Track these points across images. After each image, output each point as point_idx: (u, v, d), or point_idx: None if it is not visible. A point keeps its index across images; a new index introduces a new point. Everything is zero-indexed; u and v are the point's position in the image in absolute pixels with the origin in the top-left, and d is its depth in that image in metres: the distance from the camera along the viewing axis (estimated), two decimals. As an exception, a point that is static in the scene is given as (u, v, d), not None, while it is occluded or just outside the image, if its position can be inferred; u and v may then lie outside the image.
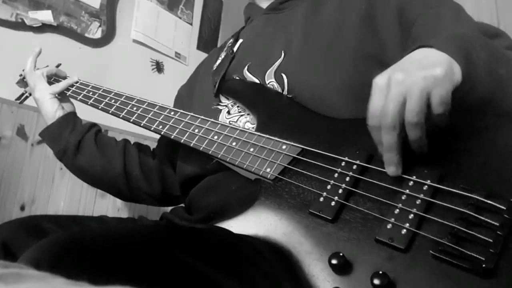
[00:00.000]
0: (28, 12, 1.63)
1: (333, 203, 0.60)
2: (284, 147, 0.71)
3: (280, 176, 0.68)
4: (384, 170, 0.60)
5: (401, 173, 0.58)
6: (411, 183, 0.57)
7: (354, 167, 0.63)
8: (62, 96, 1.12)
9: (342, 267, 0.53)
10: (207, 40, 2.29)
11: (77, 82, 1.12)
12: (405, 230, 0.54)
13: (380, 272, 0.50)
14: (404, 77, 0.55)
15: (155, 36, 2.04)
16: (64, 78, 1.15)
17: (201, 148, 0.79)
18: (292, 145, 0.70)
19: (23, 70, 1.22)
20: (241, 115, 0.85)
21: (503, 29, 0.78)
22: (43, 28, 1.66)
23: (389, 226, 0.55)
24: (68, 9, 1.75)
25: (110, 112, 0.98)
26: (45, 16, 1.67)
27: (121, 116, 0.95)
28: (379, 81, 0.58)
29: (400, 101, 0.55)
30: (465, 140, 0.59)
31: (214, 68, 0.98)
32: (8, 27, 1.58)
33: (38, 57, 1.17)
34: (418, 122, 0.54)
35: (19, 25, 1.61)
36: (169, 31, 2.11)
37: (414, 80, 0.54)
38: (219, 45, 2.20)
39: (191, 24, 2.23)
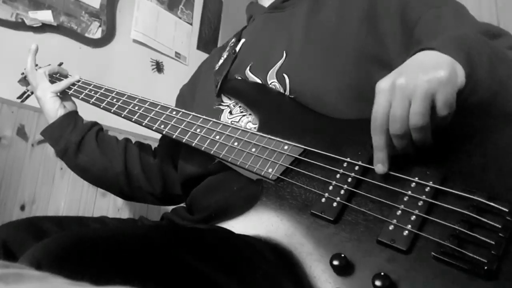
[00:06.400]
0: (28, 12, 1.63)
1: (335, 204, 0.60)
2: (286, 147, 0.70)
3: (281, 177, 0.67)
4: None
5: (403, 174, 0.58)
6: (413, 184, 0.57)
7: (356, 167, 0.62)
8: (63, 95, 1.12)
9: (344, 268, 0.53)
10: (207, 40, 2.29)
11: (78, 81, 1.12)
12: (407, 232, 0.53)
13: (382, 274, 0.50)
14: (408, 80, 0.55)
15: (155, 36, 2.03)
16: (66, 76, 1.16)
17: (202, 148, 0.78)
18: (294, 145, 0.70)
19: (25, 69, 1.22)
20: (243, 115, 0.85)
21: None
22: (43, 28, 1.66)
23: (391, 227, 0.55)
24: (68, 9, 1.75)
25: (112, 111, 0.97)
26: (45, 16, 1.66)
27: (123, 115, 0.95)
28: (383, 85, 0.57)
29: (406, 105, 0.55)
30: (467, 142, 0.59)
31: (216, 68, 0.98)
32: (8, 27, 1.58)
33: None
34: (424, 125, 0.54)
35: (19, 25, 1.60)
36: (169, 31, 2.11)
37: (418, 83, 0.54)
38: (219, 45, 2.21)
39: (191, 24, 2.23)
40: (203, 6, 2.30)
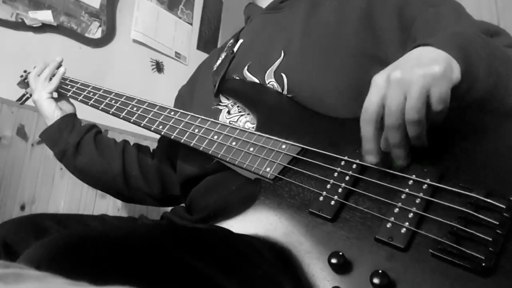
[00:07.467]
0: (28, 12, 1.63)
1: (332, 203, 0.60)
2: (283, 146, 0.71)
3: (280, 176, 0.68)
4: (383, 169, 0.60)
5: (401, 172, 0.58)
6: (410, 182, 0.57)
7: (354, 166, 0.63)
8: (62, 97, 1.13)
9: (342, 266, 0.53)
10: (207, 40, 2.29)
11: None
12: (404, 229, 0.54)
13: (380, 271, 0.50)
14: (402, 75, 0.55)
15: (155, 36, 2.04)
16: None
17: (201, 148, 0.79)
18: (292, 144, 0.70)
19: (24, 71, 1.22)
20: (241, 115, 0.86)
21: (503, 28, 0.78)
22: (43, 28, 1.66)
23: (388, 225, 0.55)
24: (68, 9, 1.75)
25: (111, 112, 0.98)
26: (45, 16, 1.67)
27: (121, 116, 0.95)
28: (378, 79, 0.57)
29: (401, 99, 0.55)
30: (464, 139, 0.59)
31: (215, 69, 0.98)
32: (8, 27, 1.58)
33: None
34: (419, 119, 0.54)
35: (19, 25, 1.61)
36: (169, 31, 2.11)
37: (413, 78, 0.54)
38: (219, 45, 2.21)
39: (191, 24, 2.23)
40: (203, 6, 2.30)
